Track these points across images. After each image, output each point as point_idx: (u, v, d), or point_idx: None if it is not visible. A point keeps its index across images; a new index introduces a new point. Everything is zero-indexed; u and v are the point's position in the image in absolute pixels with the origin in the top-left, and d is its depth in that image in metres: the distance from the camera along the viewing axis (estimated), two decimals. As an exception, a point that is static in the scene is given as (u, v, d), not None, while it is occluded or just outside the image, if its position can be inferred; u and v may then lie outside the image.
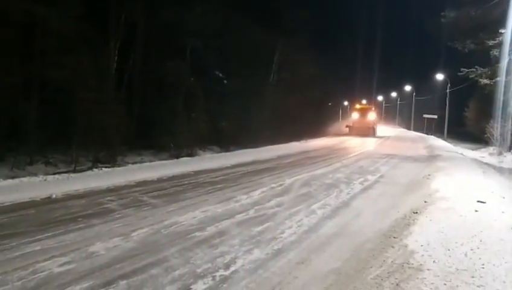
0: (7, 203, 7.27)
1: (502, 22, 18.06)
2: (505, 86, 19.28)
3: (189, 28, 17.87)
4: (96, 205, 7.39)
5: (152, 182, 10.02)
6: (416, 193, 9.62)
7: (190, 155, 16.53)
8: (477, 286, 4.31)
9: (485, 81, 21.54)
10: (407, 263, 4.88)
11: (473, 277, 4.52)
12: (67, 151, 13.15)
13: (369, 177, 11.96)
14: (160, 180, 10.32)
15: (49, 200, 7.66)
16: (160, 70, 17.38)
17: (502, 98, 19.69)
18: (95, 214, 6.75)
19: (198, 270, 4.60)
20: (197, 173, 11.63)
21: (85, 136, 12.87)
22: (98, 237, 5.59)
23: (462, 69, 22.40)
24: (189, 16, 17.62)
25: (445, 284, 4.33)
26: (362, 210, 7.85)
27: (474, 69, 21.67)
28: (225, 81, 22.85)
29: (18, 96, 11.96)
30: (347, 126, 37.40)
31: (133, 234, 5.78)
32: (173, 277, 4.42)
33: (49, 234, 5.63)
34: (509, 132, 20.66)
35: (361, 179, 11.46)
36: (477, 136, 30.16)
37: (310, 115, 32.11)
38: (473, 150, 27.20)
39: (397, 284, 4.31)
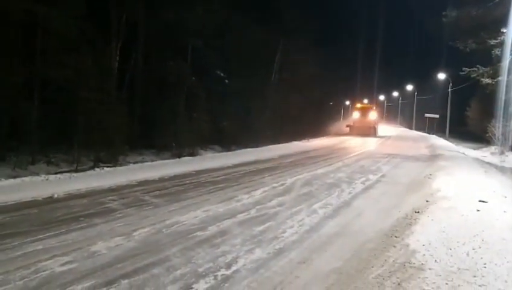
0: (9, 203, 7.28)
1: (503, 21, 18.05)
2: (507, 86, 19.27)
3: (190, 27, 17.89)
4: (98, 205, 7.39)
5: (154, 181, 10.02)
6: (418, 192, 9.61)
7: (191, 155, 16.54)
8: (479, 286, 4.31)
9: (487, 80, 21.49)
10: (409, 263, 4.87)
11: (474, 277, 4.52)
12: (69, 150, 13.17)
13: (371, 176, 11.96)
14: (161, 179, 10.33)
15: (51, 200, 7.66)
16: (162, 70, 17.41)
17: (503, 98, 19.69)
18: (96, 214, 6.76)
19: (200, 270, 4.60)
20: (199, 172, 11.64)
21: (87, 135, 12.88)
22: (99, 237, 5.59)
23: (463, 69, 22.37)
24: (190, 15, 17.64)
25: (446, 283, 4.33)
26: (364, 210, 7.85)
27: (475, 69, 21.62)
28: (226, 81, 22.87)
29: (20, 96, 11.98)
30: (347, 126, 37.16)
31: (135, 233, 5.78)
32: (175, 276, 4.43)
33: (51, 234, 5.63)
34: (511, 132, 20.63)
35: (363, 179, 11.45)
36: (479, 136, 30.17)
37: (311, 115, 32.17)
38: (474, 149, 27.19)
39: (399, 284, 4.31)
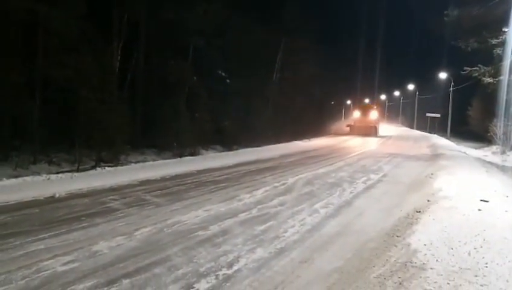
0: (11, 202, 7.30)
1: (505, 21, 18.02)
2: (508, 85, 19.23)
3: (191, 27, 17.92)
4: (99, 204, 7.41)
5: (155, 181, 10.03)
6: (419, 192, 9.60)
7: (193, 154, 16.56)
8: (481, 285, 4.30)
9: (488, 79, 21.44)
10: (410, 262, 4.87)
11: (476, 276, 4.51)
12: (71, 150, 13.21)
13: (372, 176, 11.95)
14: (163, 179, 10.34)
15: (52, 199, 7.68)
16: (163, 69, 17.42)
17: (505, 97, 19.66)
18: (98, 213, 6.77)
19: (202, 269, 4.60)
20: (200, 172, 11.65)
21: (88, 135, 12.91)
22: (101, 236, 5.60)
23: (465, 68, 22.31)
24: (190, 15, 17.66)
25: (448, 283, 4.32)
26: (365, 209, 7.85)
27: (477, 68, 21.57)
28: (228, 81, 22.91)
29: (21, 96, 12.00)
30: (348, 125, 36.82)
31: (136, 233, 5.79)
32: (176, 275, 4.43)
33: (52, 233, 5.65)
34: (513, 131, 20.64)
35: (364, 178, 11.45)
36: (480, 135, 30.12)
37: (312, 114, 32.17)
38: (476, 148, 27.15)
39: (400, 283, 4.31)
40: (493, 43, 19.97)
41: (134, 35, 16.92)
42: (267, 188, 9.47)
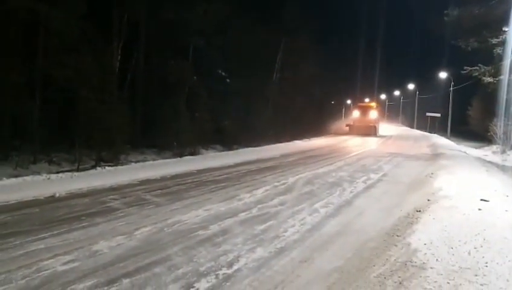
0: (11, 202, 7.30)
1: (505, 20, 17.99)
2: (508, 84, 19.22)
3: (191, 27, 17.93)
4: (99, 204, 7.41)
5: (155, 180, 10.03)
6: (419, 191, 9.60)
7: (193, 154, 16.56)
8: (481, 285, 4.30)
9: (489, 79, 21.44)
10: (410, 262, 4.87)
11: (476, 276, 4.51)
12: (71, 150, 13.23)
13: (372, 175, 11.95)
14: (163, 178, 10.34)
15: (52, 199, 7.67)
16: (163, 69, 17.43)
17: (505, 97, 19.65)
18: (98, 213, 6.77)
19: (202, 269, 4.60)
20: (200, 171, 11.65)
21: (88, 135, 12.92)
22: (101, 236, 5.60)
23: (465, 67, 22.30)
24: (190, 15, 17.65)
25: (448, 282, 4.32)
26: (365, 209, 7.85)
27: (477, 67, 21.56)
28: (228, 80, 22.92)
29: (21, 96, 12.01)
30: (347, 125, 36.29)
31: (137, 232, 5.79)
32: (176, 275, 4.43)
33: (52, 233, 5.64)
34: (513, 130, 20.64)
35: (364, 178, 11.45)
36: (480, 135, 30.13)
37: (313, 114, 32.16)
38: (476, 148, 27.15)
39: (400, 283, 4.31)
40: (493, 42, 19.96)
41: (134, 35, 16.93)
42: (267, 187, 9.47)
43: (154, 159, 14.63)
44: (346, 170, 12.99)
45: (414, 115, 59.95)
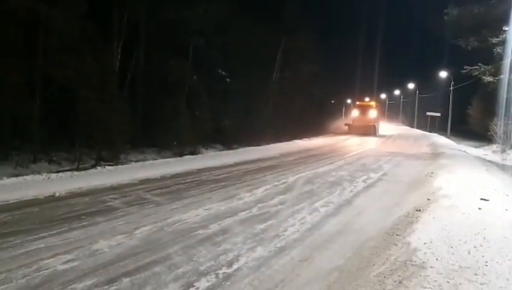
0: (11, 201, 7.30)
1: (505, 19, 17.98)
2: (508, 84, 19.21)
3: (191, 26, 17.90)
4: (99, 203, 7.41)
5: (155, 180, 10.04)
6: (419, 190, 9.61)
7: (193, 153, 16.54)
8: (481, 284, 4.31)
9: (489, 78, 21.44)
10: (410, 261, 4.87)
11: (476, 275, 4.51)
12: (71, 149, 13.21)
13: (372, 175, 11.96)
14: (163, 178, 10.35)
15: (52, 198, 7.68)
16: (163, 69, 17.40)
17: (505, 96, 19.65)
18: (98, 212, 6.77)
19: (202, 268, 4.61)
20: (200, 171, 11.65)
21: (88, 134, 12.90)
22: (101, 235, 5.61)
23: (465, 67, 22.29)
24: (191, 14, 17.64)
25: (448, 282, 4.33)
26: (365, 208, 7.85)
27: (477, 67, 21.56)
28: (228, 80, 22.89)
29: (21, 96, 12.00)
30: (346, 124, 35.88)
31: (136, 231, 5.80)
32: (176, 274, 4.44)
33: (52, 232, 5.65)
34: (513, 130, 20.64)
35: (364, 177, 11.45)
36: (480, 134, 30.11)
37: (313, 113, 32.10)
38: (476, 147, 27.15)
39: (400, 282, 4.31)
40: (493, 41, 19.95)
41: (134, 35, 16.91)
42: (268, 186, 9.48)
43: (154, 159, 14.62)
44: (346, 169, 12.99)
45: (414, 114, 59.92)
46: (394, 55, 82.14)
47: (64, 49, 12.50)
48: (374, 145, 24.42)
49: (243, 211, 7.16)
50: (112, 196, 7.97)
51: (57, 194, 7.90)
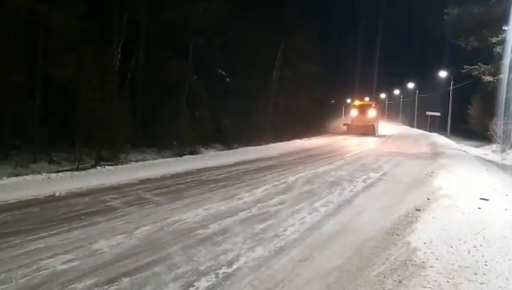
0: (11, 201, 7.30)
1: (505, 19, 17.99)
2: (508, 83, 19.21)
3: (191, 26, 17.92)
4: (99, 203, 7.41)
5: (155, 179, 10.03)
6: (419, 190, 9.60)
7: (193, 153, 16.56)
8: (480, 283, 4.30)
9: (488, 78, 21.45)
10: (410, 260, 4.87)
11: (476, 274, 4.51)
12: (71, 149, 13.23)
13: (372, 174, 11.95)
14: (163, 178, 10.34)
15: (52, 198, 7.68)
16: (163, 68, 17.43)
17: (504, 96, 19.64)
18: (98, 212, 6.77)
19: (201, 268, 4.61)
20: (200, 170, 11.65)
21: (88, 134, 12.92)
22: (101, 235, 5.60)
23: (465, 66, 22.30)
24: (191, 14, 17.65)
25: (448, 281, 4.33)
26: (365, 208, 7.85)
27: (477, 66, 21.57)
28: (228, 79, 22.90)
29: (21, 96, 12.01)
30: (345, 124, 35.47)
31: (136, 231, 5.80)
32: (176, 274, 4.44)
33: (52, 232, 5.65)
34: (513, 129, 20.65)
35: (364, 177, 11.45)
36: (480, 134, 30.12)
37: (313, 113, 32.13)
38: (476, 147, 27.15)
39: (400, 282, 4.31)
40: (493, 41, 19.95)
41: (134, 34, 16.93)
42: (267, 186, 9.47)
43: (154, 158, 14.63)
44: (346, 169, 12.99)
45: (414, 114, 59.91)
46: (394, 55, 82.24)
47: (64, 49, 12.52)
48: (373, 144, 24.41)
49: (243, 211, 7.16)
50: (111, 196, 7.97)
51: (57, 194, 7.90)
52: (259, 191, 8.87)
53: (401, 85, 70.58)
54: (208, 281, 4.28)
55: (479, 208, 7.46)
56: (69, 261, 4.69)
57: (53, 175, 10.04)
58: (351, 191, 9.42)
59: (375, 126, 34.29)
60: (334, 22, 74.74)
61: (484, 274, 4.52)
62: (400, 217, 7.01)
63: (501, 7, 17.74)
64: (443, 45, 39.81)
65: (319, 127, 33.33)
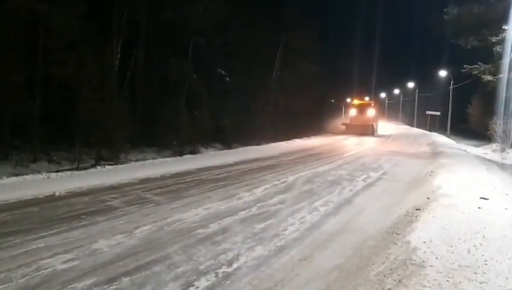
0: (11, 201, 7.30)
1: (504, 19, 17.98)
2: (508, 83, 19.21)
3: (191, 26, 17.90)
4: (99, 203, 7.41)
5: (155, 179, 10.04)
6: (419, 189, 9.60)
7: (193, 152, 16.56)
8: (480, 283, 4.30)
9: (488, 77, 21.44)
10: (410, 260, 4.87)
11: (475, 273, 4.51)
12: (71, 149, 13.23)
13: (372, 174, 11.95)
14: (163, 177, 10.35)
15: (52, 198, 7.68)
16: (163, 68, 17.42)
17: (504, 95, 19.65)
18: (98, 212, 6.77)
19: (201, 267, 4.61)
20: (200, 170, 11.65)
21: (88, 134, 12.91)
22: (101, 234, 5.60)
23: (465, 66, 22.29)
24: (191, 13, 17.64)
25: (447, 280, 4.33)
26: (365, 207, 7.85)
27: (477, 66, 21.56)
28: (227, 79, 22.89)
29: (21, 95, 12.01)
30: (343, 124, 34.98)
31: (136, 231, 5.80)
32: (176, 273, 4.44)
33: (52, 231, 5.65)
34: (512, 129, 20.65)
35: (364, 176, 11.45)
36: (480, 133, 30.10)
37: (312, 113, 32.07)
38: (476, 146, 27.15)
39: (400, 281, 4.31)
40: (493, 41, 19.94)
41: (134, 34, 16.92)
42: (267, 186, 9.47)
43: (154, 158, 14.63)
44: (346, 168, 12.98)
45: (414, 113, 59.90)
46: (394, 55, 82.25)
47: (64, 48, 12.52)
48: (373, 144, 24.42)
49: (243, 210, 7.16)
50: (111, 196, 7.97)
51: (57, 194, 7.90)
52: (259, 191, 8.87)
53: (401, 84, 70.65)
54: (207, 280, 4.28)
55: (479, 208, 7.46)
56: (68, 260, 4.69)
57: (53, 175, 10.04)
58: (351, 190, 9.43)
59: (375, 126, 33.90)
60: (334, 21, 74.68)
61: (484, 273, 4.53)
62: (399, 216, 7.01)
63: (501, 7, 17.75)
64: (443, 44, 39.79)
65: (319, 127, 33.28)
